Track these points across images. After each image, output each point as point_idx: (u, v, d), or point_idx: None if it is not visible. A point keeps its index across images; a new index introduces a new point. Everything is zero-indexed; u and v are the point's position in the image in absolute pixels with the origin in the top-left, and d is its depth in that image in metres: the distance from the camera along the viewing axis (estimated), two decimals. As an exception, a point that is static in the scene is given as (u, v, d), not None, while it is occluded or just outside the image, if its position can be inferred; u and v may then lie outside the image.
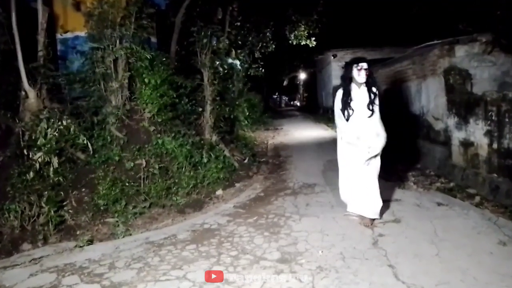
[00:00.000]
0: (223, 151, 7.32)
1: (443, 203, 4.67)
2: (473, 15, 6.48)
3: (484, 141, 4.96)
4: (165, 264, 3.39)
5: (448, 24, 7.59)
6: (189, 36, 7.68)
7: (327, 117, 18.47)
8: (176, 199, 5.27)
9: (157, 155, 5.68)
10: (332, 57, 18.91)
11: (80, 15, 6.34)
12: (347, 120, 4.12)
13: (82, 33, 6.27)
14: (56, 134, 4.83)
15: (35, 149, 4.66)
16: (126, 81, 5.94)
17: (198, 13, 9.57)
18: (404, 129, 7.85)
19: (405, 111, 7.76)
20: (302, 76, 34.28)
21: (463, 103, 5.49)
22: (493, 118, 4.77)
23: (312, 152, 8.95)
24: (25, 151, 4.69)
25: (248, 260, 3.38)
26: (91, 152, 5.25)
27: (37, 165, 4.58)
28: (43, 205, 4.30)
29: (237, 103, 11.08)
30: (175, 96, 6.43)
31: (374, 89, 4.10)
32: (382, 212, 4.22)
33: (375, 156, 4.05)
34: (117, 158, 5.29)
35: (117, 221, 4.54)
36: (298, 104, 42.41)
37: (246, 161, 7.92)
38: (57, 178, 4.68)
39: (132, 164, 5.31)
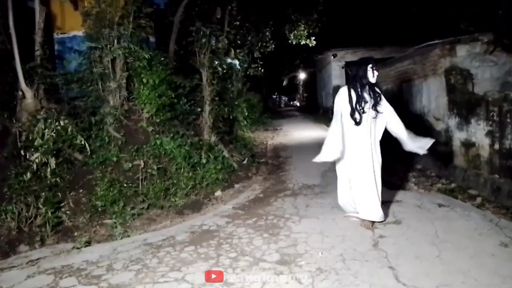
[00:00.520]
0: (222, 151, 7.29)
1: (444, 204, 4.64)
2: (475, 14, 6.47)
3: (486, 141, 4.94)
4: (164, 266, 3.36)
5: (449, 24, 7.58)
6: (188, 36, 7.66)
7: (327, 118, 18.40)
8: (175, 200, 5.24)
9: (156, 156, 5.65)
10: (332, 57, 18.88)
11: (77, 15, 6.32)
12: (359, 123, 3.98)
13: (80, 33, 6.26)
14: (54, 134, 4.80)
15: (32, 149, 4.62)
16: (124, 81, 5.91)
17: (197, 12, 9.55)
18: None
19: (405, 111, 7.73)
20: (302, 76, 34.23)
21: (465, 103, 5.46)
22: (495, 118, 4.75)
23: (312, 153, 8.80)
24: (22, 152, 4.65)
25: (247, 262, 3.36)
26: (89, 153, 5.22)
27: (34, 166, 4.54)
28: (40, 206, 4.27)
29: (236, 103, 11.04)
30: (173, 96, 6.38)
31: (377, 90, 4.04)
32: (384, 214, 4.18)
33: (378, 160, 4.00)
34: (115, 158, 5.26)
35: (115, 223, 4.51)
36: (298, 104, 42.37)
37: (245, 161, 7.89)
38: (54, 179, 4.64)
39: (130, 165, 5.28)
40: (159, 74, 6.01)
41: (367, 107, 3.98)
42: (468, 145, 5.35)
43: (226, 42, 9.16)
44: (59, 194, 4.63)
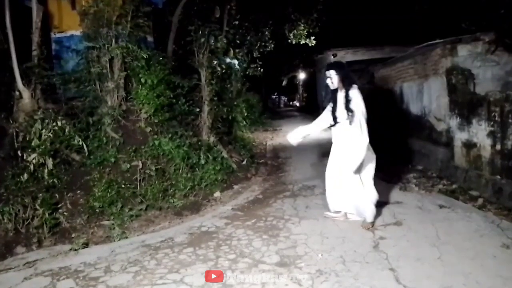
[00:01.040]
0: (221, 152, 7.26)
1: (445, 206, 4.63)
2: (476, 13, 6.43)
3: (487, 142, 4.91)
4: (162, 267, 3.34)
5: (451, 23, 7.54)
6: (187, 35, 7.62)
7: (326, 118, 18.39)
8: (173, 201, 5.22)
9: (154, 157, 5.63)
10: (332, 57, 18.80)
11: (75, 14, 6.32)
12: (335, 123, 4.21)
13: (77, 32, 6.24)
14: (51, 135, 4.79)
15: (29, 150, 4.61)
16: (122, 81, 5.90)
17: (196, 11, 9.50)
18: (406, 129, 7.81)
19: (406, 112, 7.71)
20: (302, 76, 34.17)
21: (466, 104, 5.43)
22: (496, 118, 4.71)
23: (312, 154, 8.87)
24: (19, 153, 4.65)
25: (246, 264, 3.34)
26: (87, 154, 5.20)
27: (32, 166, 4.53)
28: (38, 207, 4.24)
29: (235, 103, 11.01)
30: (172, 96, 6.37)
31: (350, 94, 4.03)
32: (378, 215, 4.20)
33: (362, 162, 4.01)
34: (113, 159, 5.25)
35: (113, 224, 4.49)
36: (298, 104, 42.30)
37: (244, 162, 7.85)
38: (51, 180, 4.63)
39: (128, 166, 5.26)
40: (158, 74, 5.99)
41: (339, 108, 4.12)
42: (469, 145, 5.32)
43: (225, 41, 9.13)
44: (57, 195, 4.62)
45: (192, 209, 5.16)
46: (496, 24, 5.40)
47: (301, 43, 14.65)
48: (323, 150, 9.35)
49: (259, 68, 14.79)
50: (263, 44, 13.83)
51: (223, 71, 9.26)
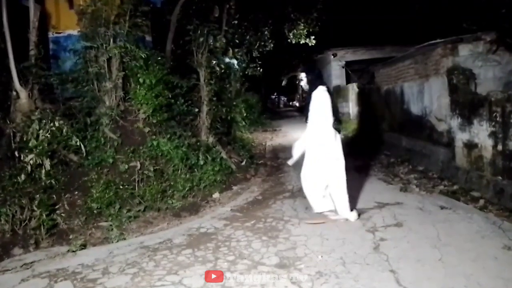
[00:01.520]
0: (220, 153, 7.24)
1: (446, 207, 4.61)
2: (477, 13, 6.42)
3: (489, 142, 4.88)
4: (160, 269, 3.34)
5: (452, 23, 7.53)
6: (185, 35, 7.60)
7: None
8: (172, 202, 5.20)
9: (152, 157, 5.60)
10: (332, 56, 18.81)
11: (72, 13, 6.30)
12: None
13: (75, 32, 6.22)
14: (48, 135, 4.77)
15: (27, 151, 4.59)
16: (120, 81, 5.87)
17: (194, 11, 9.49)
18: (406, 129, 7.79)
19: (407, 112, 7.69)
20: (301, 75, 34.16)
21: (467, 104, 5.41)
22: (498, 119, 4.69)
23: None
24: (16, 153, 4.64)
25: (245, 265, 3.33)
26: (84, 154, 5.18)
27: (29, 167, 4.51)
28: (35, 208, 4.22)
29: (234, 103, 10.99)
30: (170, 96, 6.35)
31: (313, 95, 4.29)
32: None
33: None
34: (111, 160, 5.22)
35: (111, 225, 4.46)
36: (297, 104, 42.29)
37: (243, 163, 7.83)
38: (49, 181, 4.61)
39: (126, 166, 5.23)
40: (156, 74, 5.96)
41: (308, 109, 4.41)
42: (470, 146, 5.30)
43: (224, 41, 9.14)
44: (54, 196, 4.60)
45: (191, 210, 5.13)
46: (498, 23, 5.39)
47: (301, 42, 14.64)
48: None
49: (258, 68, 14.78)
50: (263, 43, 13.81)
51: (222, 71, 9.25)
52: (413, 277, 2.96)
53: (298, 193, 5.67)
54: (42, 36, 5.84)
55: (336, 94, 17.55)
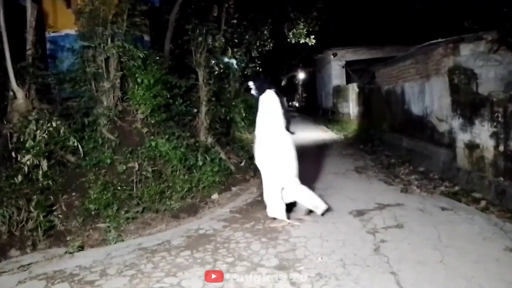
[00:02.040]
0: (219, 153, 7.23)
1: (448, 208, 4.61)
2: (479, 12, 6.41)
3: (490, 143, 4.86)
4: (159, 271, 3.33)
5: (453, 22, 7.53)
6: (184, 34, 7.57)
7: (326, 118, 18.36)
8: (170, 204, 5.18)
9: (150, 158, 5.59)
10: (332, 56, 18.81)
11: (70, 13, 6.30)
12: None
13: (73, 31, 6.17)
14: (46, 136, 4.75)
15: (24, 151, 4.57)
16: (118, 81, 5.86)
17: (193, 10, 9.45)
18: (406, 130, 7.77)
19: (407, 112, 7.66)
20: (301, 75, 34.16)
21: (468, 104, 5.39)
22: (500, 119, 4.67)
23: (311, 155, 8.86)
24: (13, 154, 4.62)
25: (245, 267, 3.33)
26: (82, 155, 5.16)
27: (26, 168, 4.49)
28: (32, 209, 4.20)
29: (233, 103, 10.92)
30: (169, 96, 6.32)
31: (260, 100, 4.40)
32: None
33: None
34: (108, 161, 5.20)
35: (108, 227, 4.45)
36: (297, 104, 42.29)
37: (242, 164, 7.80)
38: (46, 182, 4.59)
39: (124, 167, 5.21)
40: (154, 74, 5.94)
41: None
42: (472, 146, 5.28)
43: (223, 41, 9.10)
44: (51, 197, 4.58)
45: (190, 211, 5.12)
46: (499, 23, 5.37)
47: (301, 42, 14.60)
48: (322, 151, 9.37)
49: (257, 68, 14.71)
50: (262, 43, 13.77)
51: (221, 71, 9.22)
52: (414, 279, 2.95)
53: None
54: (39, 35, 5.81)
55: (336, 94, 17.60)
